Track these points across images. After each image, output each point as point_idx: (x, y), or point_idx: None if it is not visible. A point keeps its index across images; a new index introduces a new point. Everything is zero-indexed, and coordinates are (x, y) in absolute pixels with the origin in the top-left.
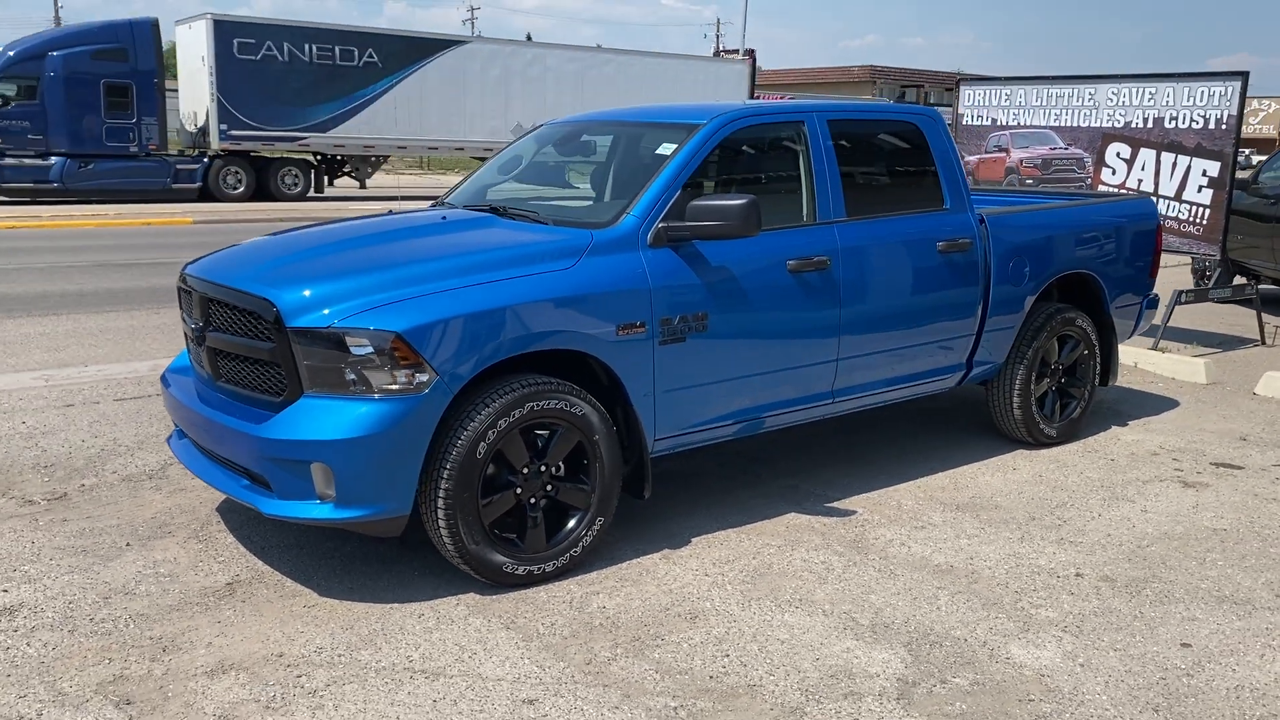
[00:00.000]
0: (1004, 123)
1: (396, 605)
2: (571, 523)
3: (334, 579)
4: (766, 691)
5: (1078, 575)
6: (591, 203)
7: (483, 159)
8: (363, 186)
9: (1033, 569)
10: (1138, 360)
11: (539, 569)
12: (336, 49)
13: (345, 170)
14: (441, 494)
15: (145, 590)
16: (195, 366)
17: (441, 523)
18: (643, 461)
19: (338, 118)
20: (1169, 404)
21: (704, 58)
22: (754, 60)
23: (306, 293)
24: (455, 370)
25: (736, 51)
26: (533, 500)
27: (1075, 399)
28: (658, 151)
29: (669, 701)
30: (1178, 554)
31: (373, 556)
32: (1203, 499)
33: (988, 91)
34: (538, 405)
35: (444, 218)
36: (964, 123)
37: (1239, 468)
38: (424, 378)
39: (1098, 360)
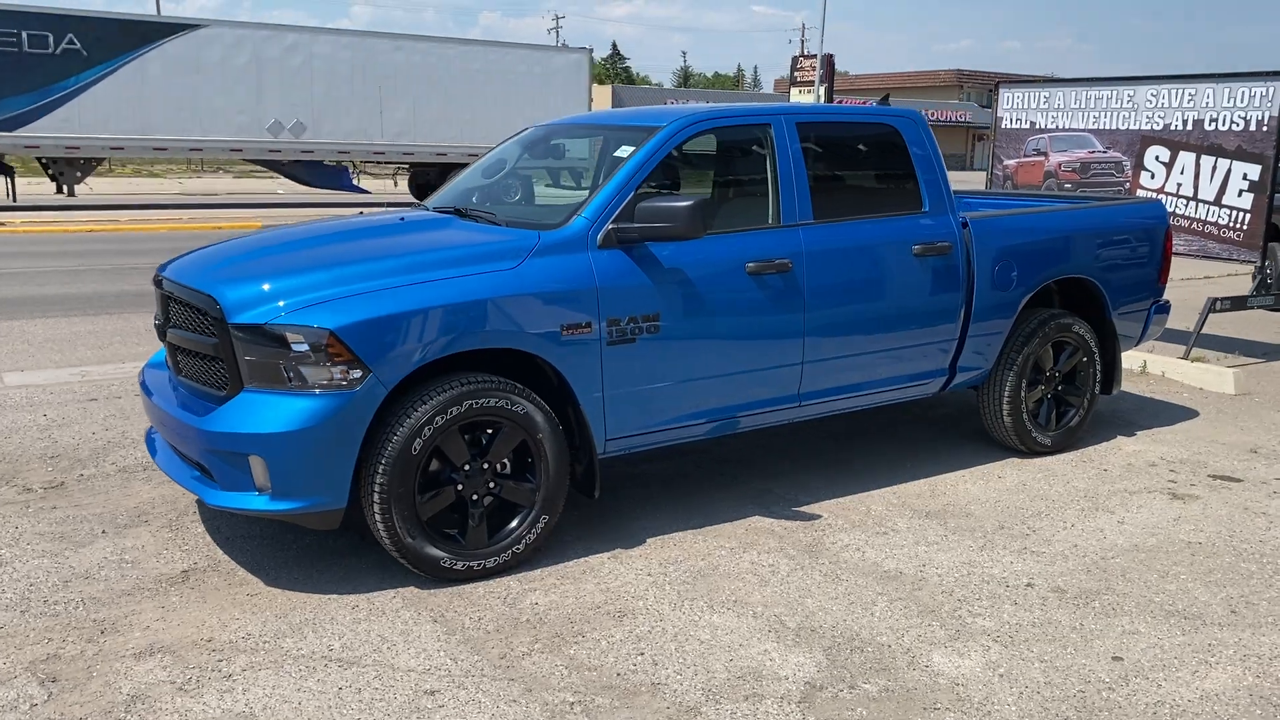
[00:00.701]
0: (1043, 126)
1: (335, 596)
2: (515, 521)
3: (284, 569)
4: (669, 690)
5: (1028, 585)
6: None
7: (230, 158)
8: (70, 194)
9: (984, 577)
10: (1166, 369)
11: (479, 565)
12: (23, 34)
13: (51, 174)
14: (377, 489)
15: (105, 575)
16: (167, 362)
17: (377, 517)
18: (592, 462)
19: (28, 114)
20: (1187, 414)
21: (528, 46)
22: (832, 65)
23: (248, 290)
24: (389, 367)
25: (814, 58)
26: (475, 497)
27: (1073, 407)
28: (615, 154)
29: (568, 697)
30: (1141, 566)
31: (329, 549)
32: (1187, 511)
33: (1026, 94)
34: (476, 403)
35: (402, 219)
36: (1003, 126)
37: (1237, 480)
38: (357, 374)
39: (1098, 368)
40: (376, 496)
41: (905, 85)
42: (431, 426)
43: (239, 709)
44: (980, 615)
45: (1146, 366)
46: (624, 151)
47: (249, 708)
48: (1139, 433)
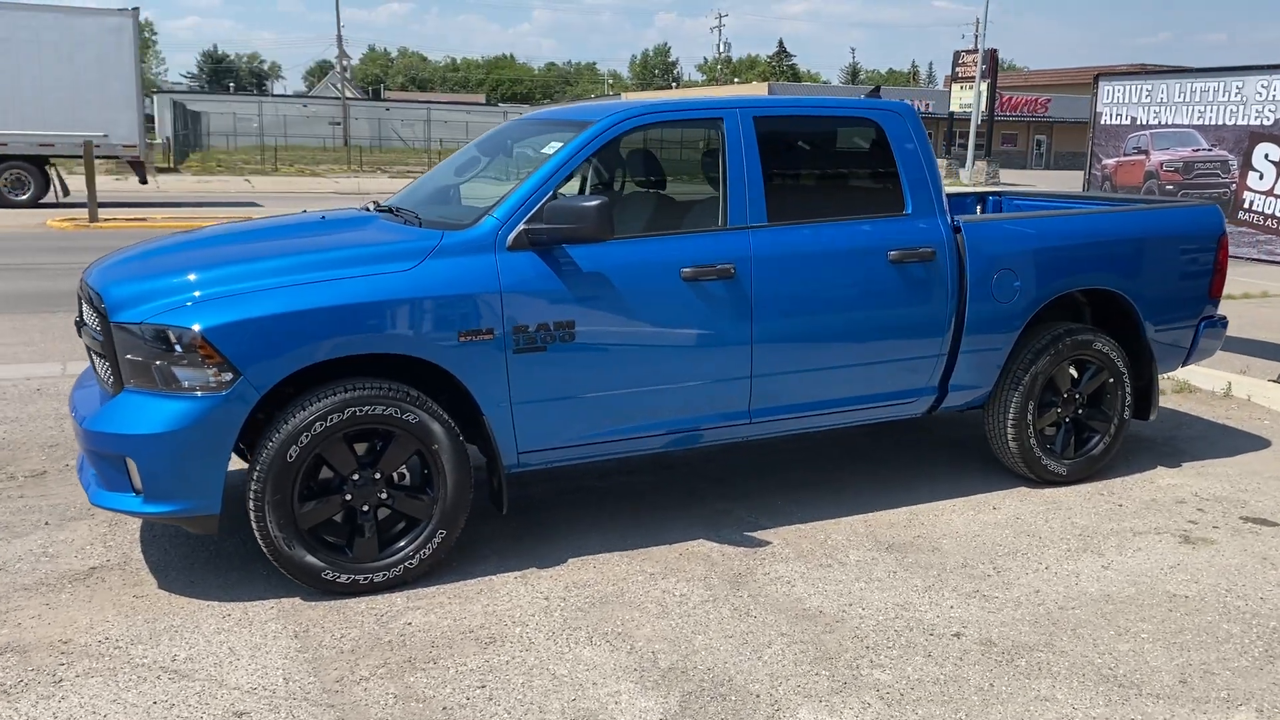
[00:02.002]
0: (1144, 122)
1: (216, 604)
2: (409, 535)
3: (188, 571)
4: None
5: (956, 635)
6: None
7: None
8: None
9: (910, 623)
10: (1253, 393)
11: (365, 579)
12: None
13: None
14: (252, 495)
15: (18, 568)
16: None
17: (253, 524)
18: (499, 475)
19: None
20: (1257, 445)
21: (40, 8)
22: (995, 60)
23: (132, 289)
24: (262, 371)
25: (975, 51)
26: (365, 508)
27: (1097, 433)
28: (544, 150)
29: None
30: (1100, 620)
31: (248, 554)
32: (1192, 558)
33: (1127, 87)
34: (361, 410)
35: (323, 218)
36: (1102, 122)
37: (1272, 525)
38: (228, 377)
39: (1127, 390)
40: (251, 503)
41: (1078, 81)
42: (310, 433)
43: (44, 718)
44: (881, 667)
45: (1231, 389)
46: (551, 148)
47: (54, 717)
48: (1186, 463)
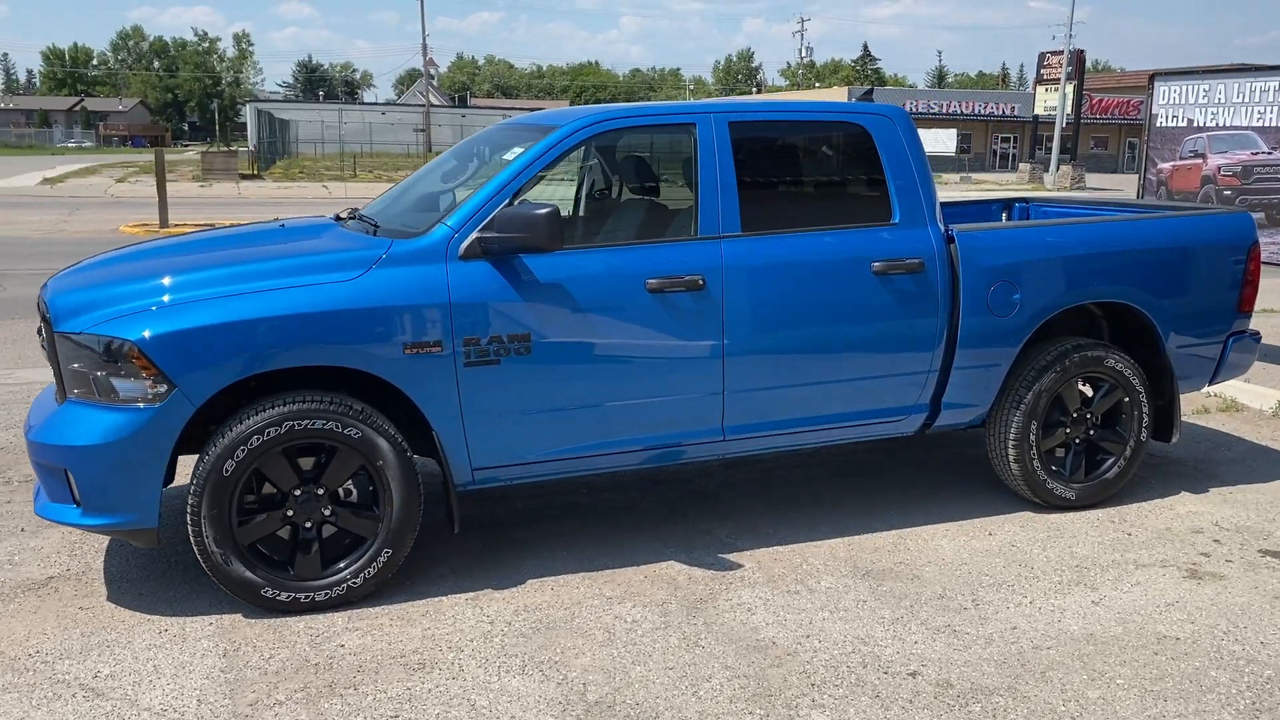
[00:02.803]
0: (1201, 123)
1: (157, 619)
2: (354, 554)
3: (139, 584)
4: None
5: (912, 675)
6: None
7: None
8: None
9: (866, 659)
10: None
11: (306, 597)
12: None
13: None
14: (189, 509)
15: None
16: None
17: (191, 538)
18: (451, 493)
19: None
20: None
21: None
22: (1082, 61)
23: (76, 298)
24: (197, 383)
25: (1060, 53)
26: (308, 525)
27: (1111, 455)
28: (505, 156)
29: None
30: (1075, 663)
31: (200, 569)
32: (1194, 595)
33: (1184, 88)
34: (299, 425)
35: (282, 225)
36: (1158, 124)
37: None
38: (163, 389)
39: (1143, 410)
40: (189, 516)
41: None
42: (246, 447)
43: None
44: (821, 707)
45: None
46: (511, 154)
47: None
48: (1214, 489)
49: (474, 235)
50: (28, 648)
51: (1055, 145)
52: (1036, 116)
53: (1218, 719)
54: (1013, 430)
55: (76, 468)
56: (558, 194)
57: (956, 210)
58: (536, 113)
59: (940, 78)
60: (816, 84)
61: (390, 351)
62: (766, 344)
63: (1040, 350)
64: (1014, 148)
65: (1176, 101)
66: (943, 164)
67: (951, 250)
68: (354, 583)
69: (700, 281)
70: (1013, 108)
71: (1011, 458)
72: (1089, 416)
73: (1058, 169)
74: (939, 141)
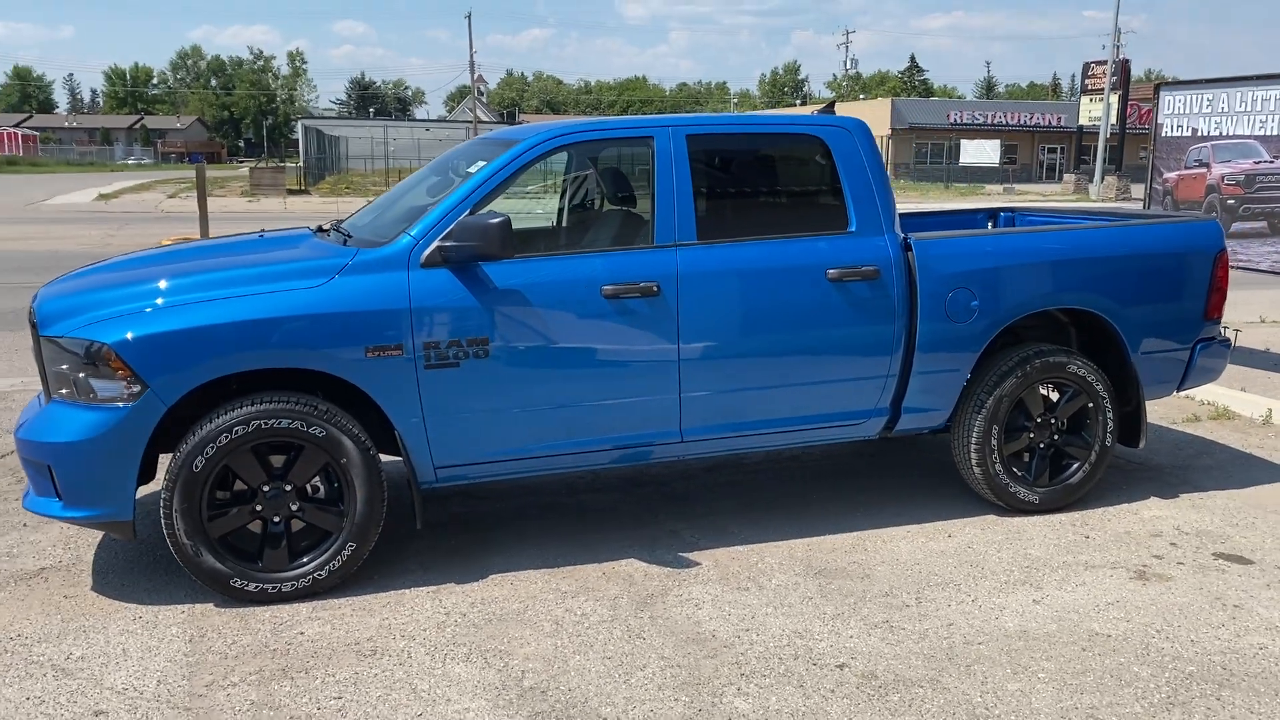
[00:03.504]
0: (1205, 133)
1: (133, 606)
2: (319, 548)
3: (122, 575)
4: None
5: (840, 666)
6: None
7: None
8: None
9: (798, 652)
10: None
11: (274, 588)
12: None
13: None
14: (163, 502)
15: None
16: None
17: (164, 530)
18: (414, 489)
19: None
20: (1274, 476)
21: None
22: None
23: (61, 304)
24: (168, 383)
25: (1104, 63)
26: (276, 519)
27: (1076, 460)
28: (469, 169)
29: None
30: (1001, 657)
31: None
32: (1136, 595)
33: (1188, 97)
34: (266, 424)
35: (261, 236)
36: (1163, 134)
37: (1247, 563)
38: (137, 389)
39: (1107, 415)
40: (161, 509)
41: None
42: (215, 445)
43: None
44: (746, 695)
45: (1272, 415)
46: (475, 167)
47: None
48: (1185, 494)
49: (434, 244)
50: (10, 631)
51: (1100, 156)
52: (1081, 127)
53: (1129, 710)
54: (974, 434)
55: (58, 463)
56: (542, 206)
57: (940, 220)
58: (506, 128)
59: (989, 88)
60: (861, 95)
61: (352, 354)
62: (720, 348)
63: (1003, 356)
64: (1060, 158)
65: (1181, 111)
66: (986, 175)
67: (909, 258)
68: (319, 575)
69: (655, 288)
70: (1059, 118)
71: (974, 461)
72: (1053, 421)
73: (1102, 180)
74: (982, 152)
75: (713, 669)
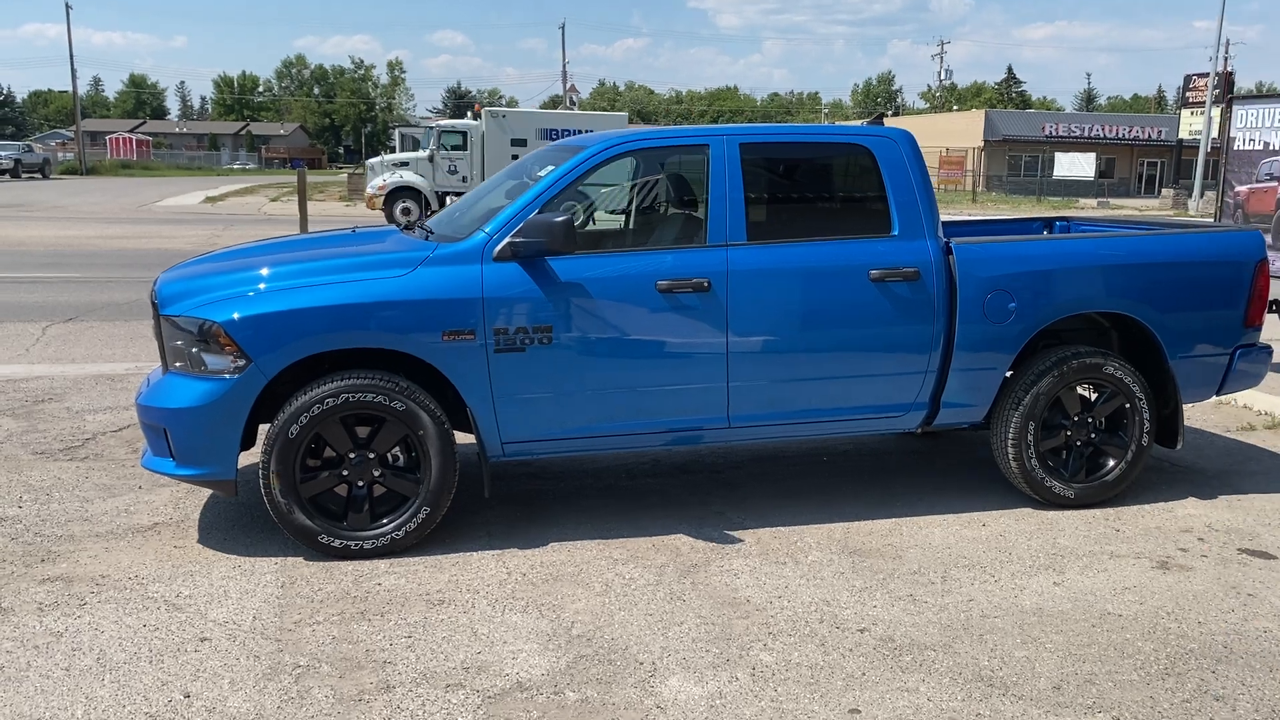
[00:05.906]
0: (1277, 147)
1: (234, 557)
2: (397, 510)
3: (224, 531)
4: (392, 669)
5: (861, 631)
6: None
7: None
8: None
9: (824, 617)
10: None
11: (356, 545)
12: None
13: None
14: (261, 465)
15: (100, 520)
16: None
17: (262, 490)
18: (484, 461)
19: None
20: None
21: None
22: (1230, 83)
23: (180, 287)
24: (270, 358)
25: (1205, 75)
26: (360, 484)
27: (1113, 458)
28: (539, 174)
29: (300, 661)
30: (1013, 630)
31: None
32: (1155, 583)
33: (1261, 111)
34: (353, 397)
35: (354, 231)
36: (1235, 147)
37: (1271, 558)
38: (242, 363)
39: (1144, 416)
40: (260, 471)
41: None
42: (308, 414)
43: (58, 628)
44: (771, 650)
45: None
46: (544, 171)
47: (66, 628)
48: (1224, 496)
49: (506, 240)
50: (129, 573)
51: (1199, 170)
52: (1181, 140)
53: (1125, 679)
54: (1012, 430)
55: (172, 426)
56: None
57: (995, 227)
58: (577, 136)
59: (1089, 100)
60: (955, 106)
61: (430, 338)
62: (767, 342)
63: (1041, 356)
64: (1160, 173)
65: (1253, 124)
66: (1081, 189)
67: (949, 261)
68: (396, 535)
69: (706, 284)
70: (1159, 131)
71: (1010, 455)
72: (1090, 420)
73: (1202, 195)
74: (1076, 166)
75: (744, 628)
